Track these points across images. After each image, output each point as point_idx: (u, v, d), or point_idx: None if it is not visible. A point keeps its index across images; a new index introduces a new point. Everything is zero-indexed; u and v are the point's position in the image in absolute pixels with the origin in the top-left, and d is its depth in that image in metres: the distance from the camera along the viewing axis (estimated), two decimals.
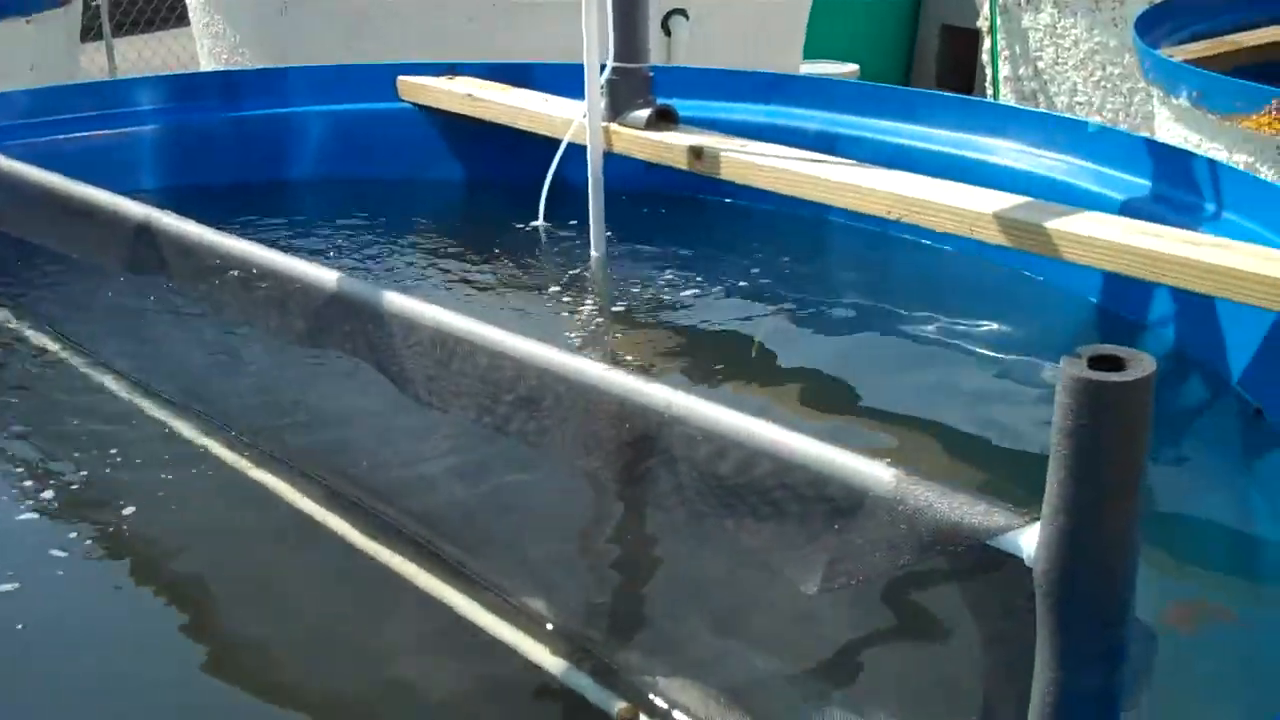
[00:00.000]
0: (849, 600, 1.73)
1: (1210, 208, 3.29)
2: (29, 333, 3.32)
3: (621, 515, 2.21)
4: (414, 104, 4.60)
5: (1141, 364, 1.30)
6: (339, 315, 2.33)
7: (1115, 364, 1.30)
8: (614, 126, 3.95)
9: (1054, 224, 3.05)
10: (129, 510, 2.48)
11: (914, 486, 1.53)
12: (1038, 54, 7.45)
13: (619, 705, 1.92)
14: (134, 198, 2.87)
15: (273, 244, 2.66)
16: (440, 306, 2.17)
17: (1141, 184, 3.51)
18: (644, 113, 3.92)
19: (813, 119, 4.25)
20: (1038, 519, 1.38)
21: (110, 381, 3.00)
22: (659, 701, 1.92)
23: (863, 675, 1.81)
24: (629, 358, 3.16)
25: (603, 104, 3.91)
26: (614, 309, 3.50)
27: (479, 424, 2.07)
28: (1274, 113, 4.32)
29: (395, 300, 2.20)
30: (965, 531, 1.46)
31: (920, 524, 1.50)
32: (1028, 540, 1.40)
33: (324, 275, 2.35)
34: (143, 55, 9.98)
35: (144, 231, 2.73)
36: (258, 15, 5.81)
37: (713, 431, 1.72)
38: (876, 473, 1.56)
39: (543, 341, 1.99)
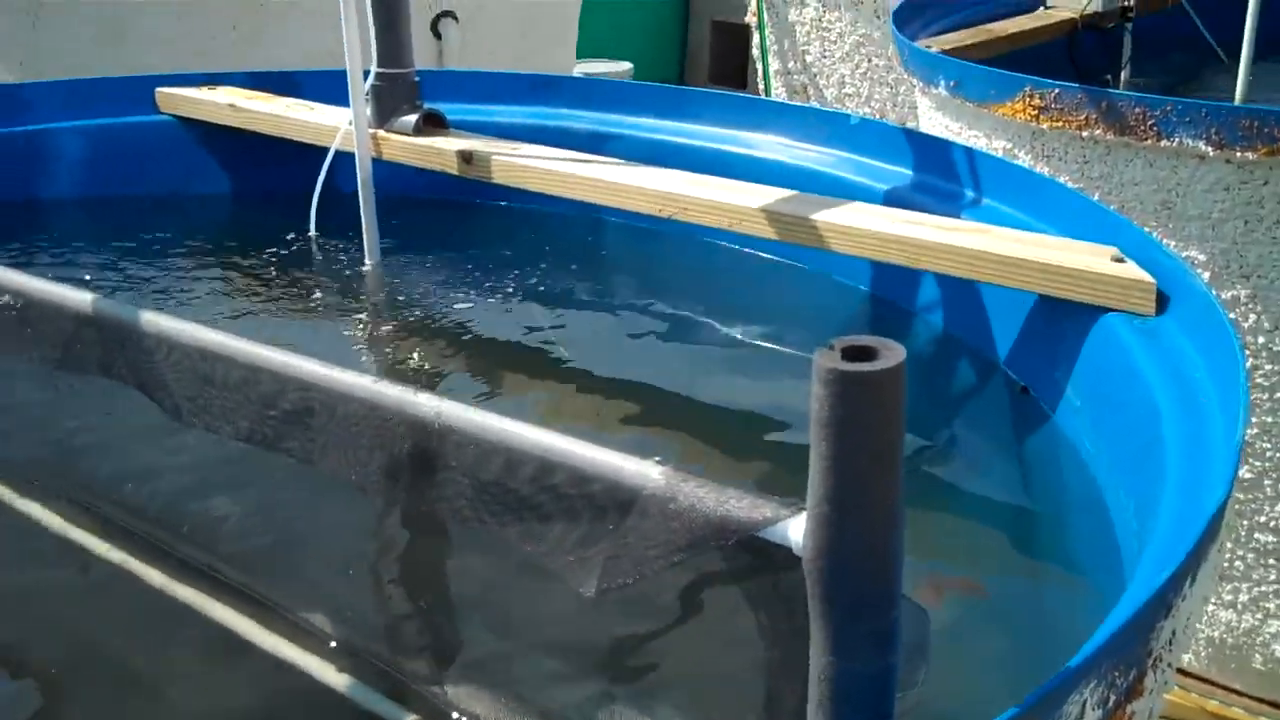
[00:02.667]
0: (631, 599, 1.73)
1: (970, 194, 3.39)
2: None
3: (401, 526, 2.18)
4: (175, 116, 4.47)
5: (892, 353, 1.33)
6: (94, 338, 2.25)
7: (867, 354, 1.33)
8: (381, 133, 3.90)
9: (817, 216, 3.12)
10: None
11: (684, 484, 1.54)
12: (805, 48, 7.62)
13: (408, 717, 1.89)
14: None
15: (25, 267, 2.56)
16: (195, 323, 2.11)
17: (903, 173, 3.61)
18: (411, 118, 3.88)
19: (582, 119, 4.26)
20: (804, 509, 1.40)
21: None
22: (449, 710, 1.91)
23: (648, 672, 1.82)
24: (406, 367, 3.12)
25: (369, 110, 3.86)
26: (389, 318, 3.46)
27: (250, 444, 2.02)
28: (1028, 99, 4.49)
29: (150, 319, 2.13)
30: (735, 525, 1.48)
31: (692, 520, 1.51)
32: (795, 529, 1.42)
33: (76, 296, 2.26)
34: None
35: None
36: (7, 26, 5.58)
37: (482, 439, 1.71)
38: (646, 471, 1.57)
39: (313, 356, 1.95)
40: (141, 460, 2.59)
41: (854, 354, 1.33)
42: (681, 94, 4.29)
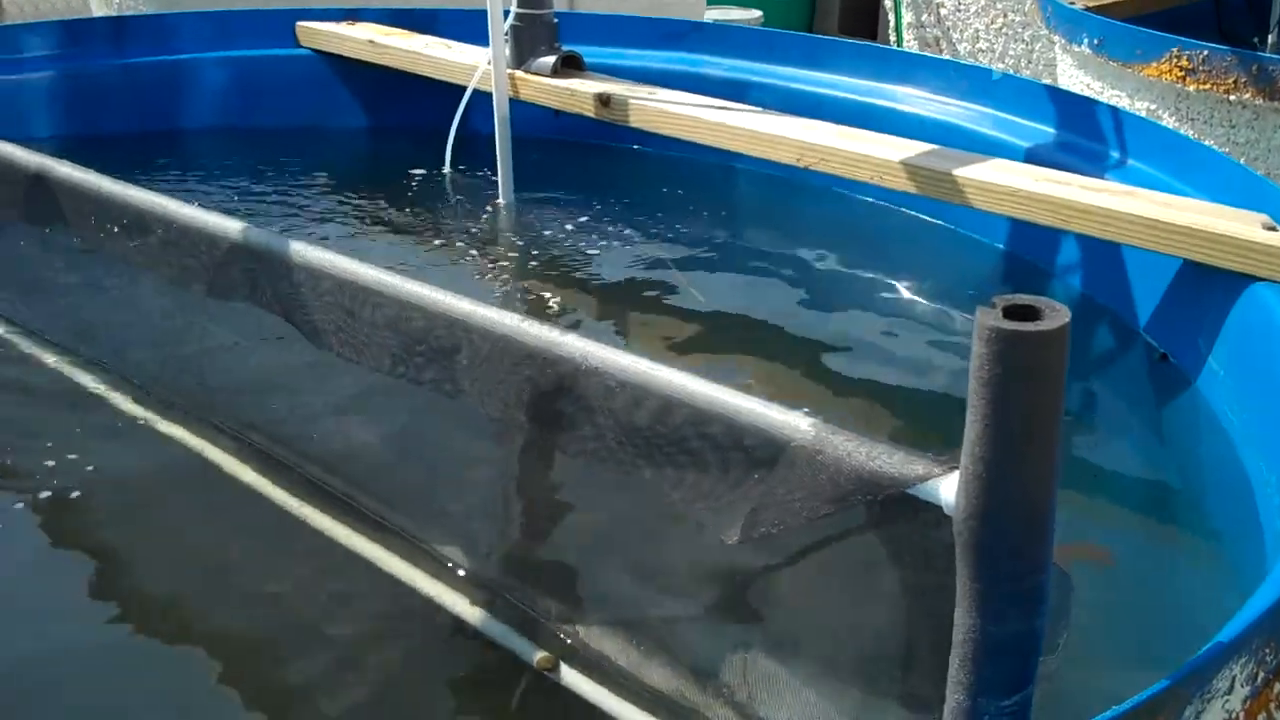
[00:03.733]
0: (770, 548, 1.73)
1: (1114, 155, 3.32)
2: None
3: (540, 465, 2.19)
4: (313, 50, 4.51)
5: (1056, 313, 1.31)
6: (244, 266, 2.28)
7: (1030, 313, 1.31)
8: (519, 73, 3.91)
9: (959, 171, 3.07)
10: (30, 461, 2.43)
11: (833, 436, 1.53)
12: (940, 1, 7.48)
13: (539, 654, 1.91)
14: (25, 147, 2.80)
15: (171, 195, 2.60)
16: (347, 256, 2.13)
17: (1045, 131, 3.55)
18: (549, 59, 3.88)
19: (718, 66, 4.24)
20: (956, 467, 1.38)
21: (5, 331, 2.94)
22: (579, 650, 1.92)
23: (784, 623, 1.82)
24: (540, 306, 3.14)
25: (507, 51, 3.86)
26: (523, 257, 3.48)
27: (392, 375, 2.04)
28: (1174, 61, 4.37)
29: (302, 250, 2.16)
30: (885, 480, 1.47)
31: (840, 473, 1.50)
32: (947, 488, 1.40)
33: (228, 225, 2.30)
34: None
35: (39, 181, 2.66)
36: None
37: (629, 382, 1.71)
38: (795, 422, 1.56)
39: (455, 292, 1.97)
40: (281, 387, 2.63)
41: (1017, 313, 1.31)
42: (819, 43, 4.25)
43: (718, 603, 1.92)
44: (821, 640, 1.75)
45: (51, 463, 2.44)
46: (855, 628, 1.70)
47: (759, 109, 3.68)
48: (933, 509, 1.44)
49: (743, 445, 1.59)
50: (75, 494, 2.36)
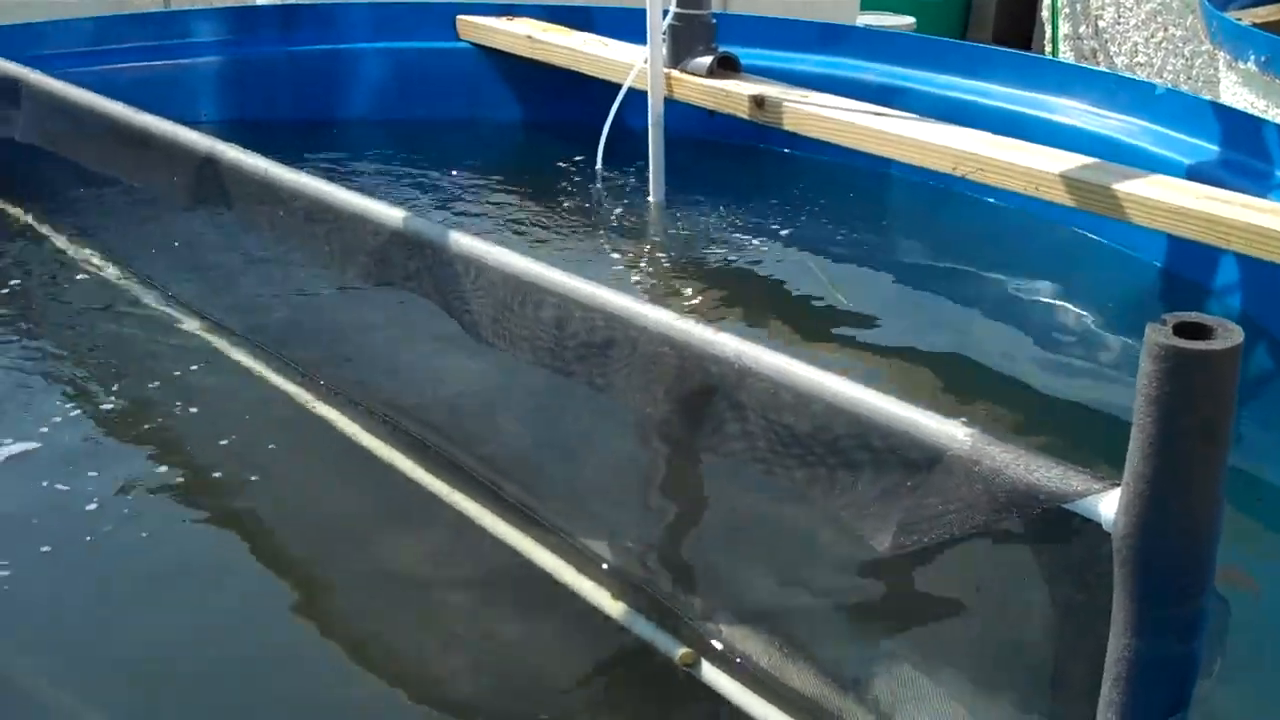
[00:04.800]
0: (918, 557, 1.72)
1: (1278, 174, 3.24)
2: (82, 256, 3.35)
3: (687, 463, 2.20)
4: (472, 43, 4.58)
5: (1229, 333, 1.28)
6: (404, 253, 2.33)
7: (1202, 332, 1.29)
8: (675, 73, 3.92)
9: (1118, 186, 3.02)
10: (186, 437, 2.51)
11: (990, 446, 1.51)
12: (1099, 13, 7.36)
13: (680, 650, 1.92)
14: (195, 129, 2.88)
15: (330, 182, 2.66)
16: (503, 247, 2.16)
17: (1208, 148, 3.47)
18: (706, 60, 3.89)
19: (873, 71, 4.21)
20: (1117, 484, 1.37)
21: (166, 307, 3.03)
22: (720, 648, 1.93)
23: (930, 634, 1.80)
24: (684, 305, 3.15)
25: (664, 50, 3.88)
26: (670, 255, 3.49)
27: (544, 366, 2.07)
28: None
29: (463, 241, 2.19)
30: (1042, 494, 1.45)
31: (996, 485, 1.49)
32: (1107, 505, 1.38)
33: (390, 213, 2.34)
34: None
35: (208, 164, 2.73)
36: None
37: (783, 384, 1.71)
38: (951, 431, 1.55)
39: (611, 288, 1.99)
40: (432, 373, 2.68)
41: (1187, 331, 1.29)
42: (976, 52, 4.20)
43: (863, 608, 1.91)
44: (968, 652, 1.74)
45: (220, 441, 2.51)
46: (1005, 642, 1.68)
47: (913, 115, 3.65)
48: (1090, 525, 1.42)
49: (897, 453, 1.59)
50: (227, 470, 2.43)
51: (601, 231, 3.66)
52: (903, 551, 1.57)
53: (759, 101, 3.72)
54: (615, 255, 3.49)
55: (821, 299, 3.25)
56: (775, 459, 1.74)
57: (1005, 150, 3.27)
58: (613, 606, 2.03)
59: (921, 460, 1.57)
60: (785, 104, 3.68)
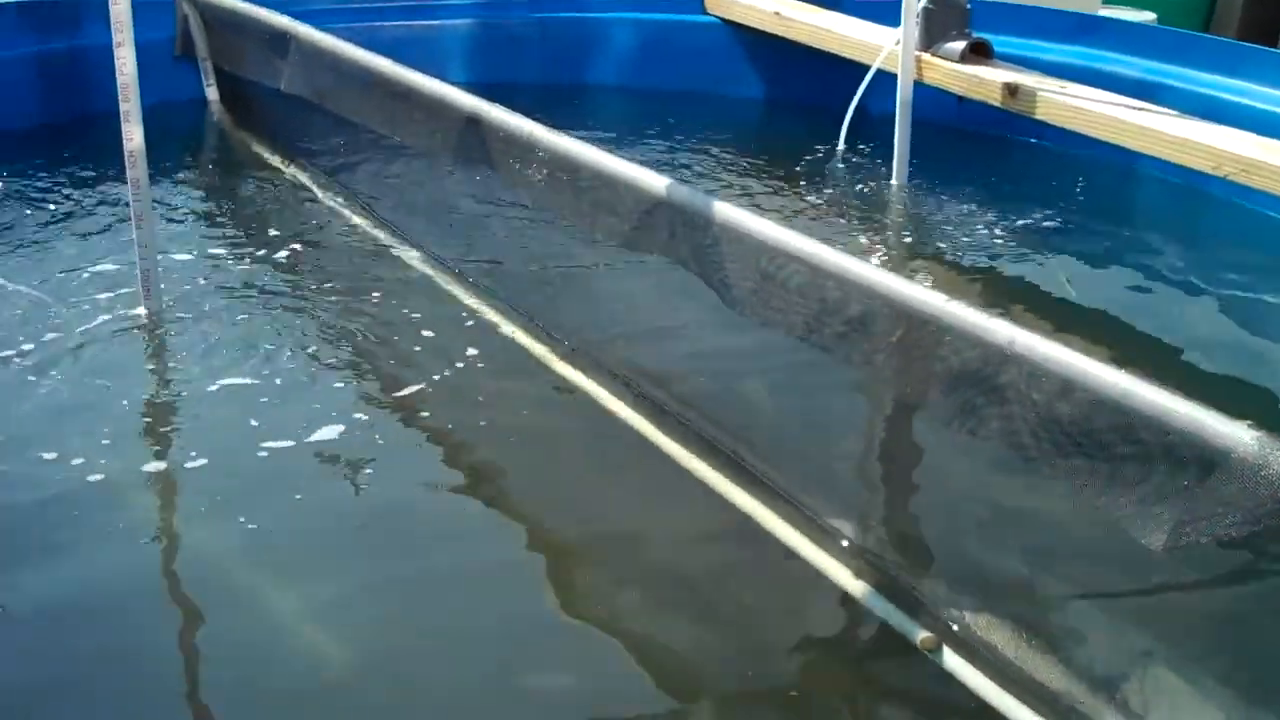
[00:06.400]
0: (1185, 559, 1.68)
1: None
2: (344, 210, 3.47)
3: (940, 444, 2.18)
4: (719, 18, 4.60)
5: None
6: (664, 220, 2.36)
7: None
8: (926, 57, 3.88)
9: None
10: (438, 396, 2.58)
11: (1278, 452, 1.48)
12: None
13: (921, 634, 1.91)
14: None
15: None
16: (769, 220, 2.17)
17: None
18: (959, 44, 3.84)
19: (1129, 65, 4.10)
20: None
21: (419, 262, 3.12)
22: (963, 635, 1.91)
23: (1195, 638, 1.76)
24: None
25: (917, 33, 3.84)
26: (910, 238, 3.47)
27: (803, 339, 2.08)
28: None
29: (726, 211, 2.21)
30: None
31: None
32: None
33: (653, 180, 2.37)
34: None
35: (473, 122, 2.80)
36: None
37: (1055, 373, 1.69)
38: (1237, 433, 1.51)
39: (880, 267, 1.98)
40: (680, 340, 2.71)
41: None
42: (1241, 49, 4.06)
43: (1118, 604, 1.87)
44: (1234, 661, 1.69)
45: (476, 398, 2.58)
46: (1272, 654, 1.64)
47: (1171, 111, 3.55)
48: None
49: (1174, 451, 1.56)
50: (473, 431, 2.49)
51: (842, 211, 3.65)
52: (1175, 551, 1.54)
53: (1012, 89, 3.66)
54: (852, 235, 3.48)
55: (1054, 291, 3.18)
56: (1043, 446, 1.72)
57: (1274, 154, 3.16)
58: (854, 586, 2.03)
59: (1201, 459, 1.53)
60: (1040, 93, 3.61)
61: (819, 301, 2.04)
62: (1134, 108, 3.53)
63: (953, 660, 1.87)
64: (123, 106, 2.71)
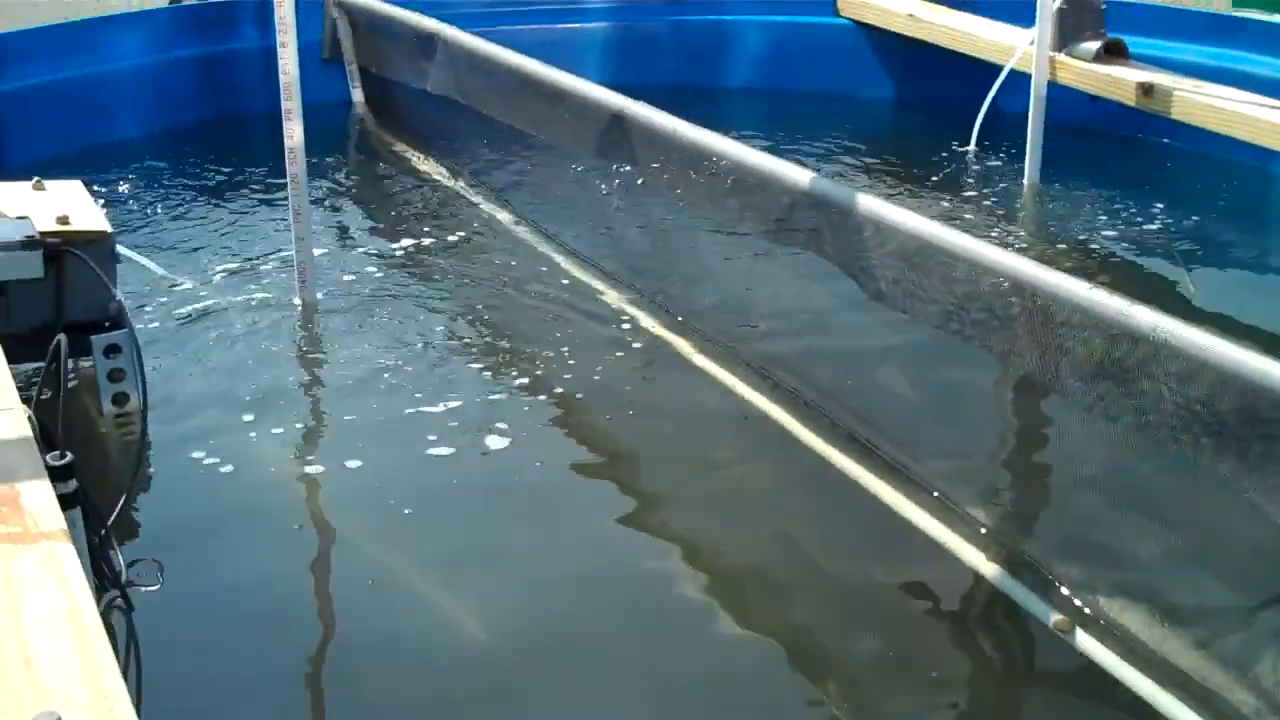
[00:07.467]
0: None
1: None
2: (486, 207, 3.58)
3: (1074, 430, 2.21)
4: (852, 20, 4.66)
5: None
6: (807, 212, 2.43)
7: None
8: (1060, 57, 3.90)
9: None
10: (571, 377, 2.67)
11: None
12: None
13: (1056, 616, 1.95)
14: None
15: None
16: (909, 210, 2.23)
17: None
18: (1094, 45, 3.86)
19: (1266, 65, 4.08)
20: None
21: (560, 258, 3.22)
22: (1097, 617, 1.95)
23: None
24: None
25: (1051, 33, 3.86)
26: (1041, 237, 3.50)
27: (942, 329, 2.13)
28: None
29: (865, 201, 2.28)
30: None
31: None
32: None
33: (797, 174, 2.45)
34: None
35: (618, 119, 2.89)
36: None
37: (1199, 359, 1.73)
38: None
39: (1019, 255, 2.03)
40: (818, 330, 2.76)
41: None
42: None
43: (1253, 587, 1.90)
44: None
45: (618, 393, 2.66)
46: None
47: None
48: None
49: None
50: (606, 414, 2.58)
51: (975, 208, 3.69)
52: None
53: (1147, 89, 3.67)
54: (989, 231, 3.50)
55: (1181, 291, 3.19)
56: (1183, 432, 1.76)
57: None
58: (988, 569, 2.07)
59: None
60: (1176, 93, 3.62)
61: (960, 291, 2.09)
62: (1272, 106, 3.51)
63: (1086, 641, 1.91)
64: (284, 105, 2.85)
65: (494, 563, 2.14)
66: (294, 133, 2.87)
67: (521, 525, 2.25)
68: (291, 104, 2.85)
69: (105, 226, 2.44)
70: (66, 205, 2.46)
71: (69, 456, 1.65)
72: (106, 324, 2.42)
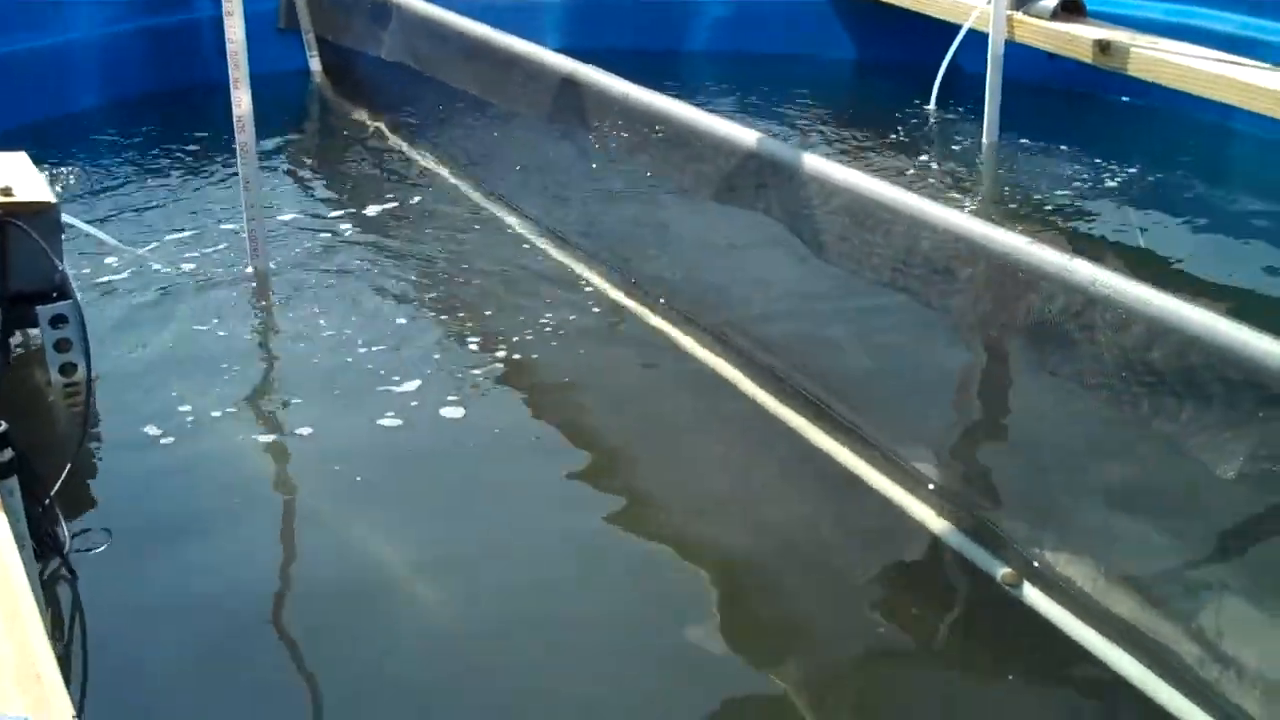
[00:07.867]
0: (1260, 488, 1.70)
1: None
2: (440, 171, 3.56)
3: (1020, 386, 2.21)
4: None
5: None
6: (752, 173, 2.42)
7: None
8: (1018, 15, 3.89)
9: None
10: (528, 342, 2.66)
11: None
12: None
13: (1003, 570, 1.96)
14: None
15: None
16: (854, 169, 2.23)
17: None
18: (1050, 2, 3.85)
19: (1224, 20, 4.08)
20: None
21: (517, 223, 3.20)
22: (1043, 570, 1.96)
23: (1271, 570, 1.79)
24: None
25: None
26: (999, 194, 3.50)
27: (889, 288, 2.13)
28: None
29: (813, 163, 2.27)
30: None
31: None
32: None
33: (742, 134, 2.44)
34: None
35: (568, 84, 2.88)
36: None
37: (1135, 311, 1.74)
38: None
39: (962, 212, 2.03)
40: (768, 293, 2.76)
41: None
42: None
43: (1196, 539, 1.91)
44: None
45: (578, 351, 2.66)
46: None
47: (1267, 65, 3.53)
48: None
49: (1259, 384, 1.59)
50: (582, 389, 2.58)
51: (934, 167, 3.69)
52: (1248, 479, 1.58)
53: (1104, 46, 3.66)
54: (942, 192, 3.50)
55: (1137, 249, 3.19)
56: (1119, 384, 1.77)
57: None
58: (936, 524, 2.08)
59: (1271, 391, 1.57)
60: (1133, 49, 3.61)
61: (905, 249, 2.09)
62: (1230, 62, 3.52)
63: (1033, 594, 1.92)
64: (232, 73, 2.83)
65: (451, 528, 2.14)
66: (242, 101, 2.85)
67: (478, 493, 2.24)
68: (239, 72, 2.83)
69: (49, 197, 2.42)
70: (10, 176, 2.44)
71: (3, 425, 1.64)
72: (54, 295, 2.40)
